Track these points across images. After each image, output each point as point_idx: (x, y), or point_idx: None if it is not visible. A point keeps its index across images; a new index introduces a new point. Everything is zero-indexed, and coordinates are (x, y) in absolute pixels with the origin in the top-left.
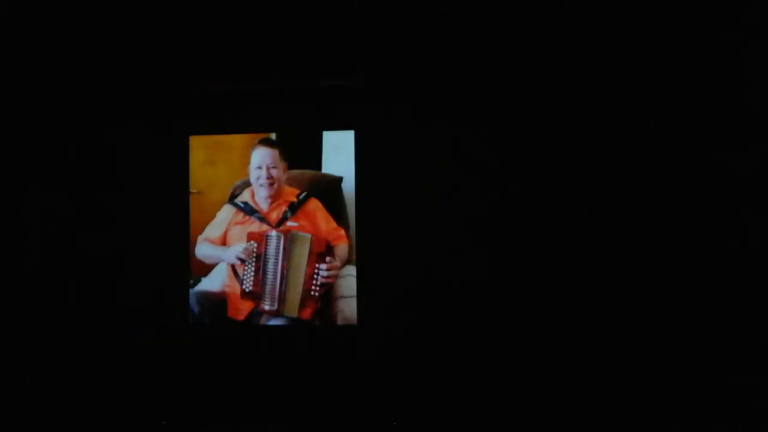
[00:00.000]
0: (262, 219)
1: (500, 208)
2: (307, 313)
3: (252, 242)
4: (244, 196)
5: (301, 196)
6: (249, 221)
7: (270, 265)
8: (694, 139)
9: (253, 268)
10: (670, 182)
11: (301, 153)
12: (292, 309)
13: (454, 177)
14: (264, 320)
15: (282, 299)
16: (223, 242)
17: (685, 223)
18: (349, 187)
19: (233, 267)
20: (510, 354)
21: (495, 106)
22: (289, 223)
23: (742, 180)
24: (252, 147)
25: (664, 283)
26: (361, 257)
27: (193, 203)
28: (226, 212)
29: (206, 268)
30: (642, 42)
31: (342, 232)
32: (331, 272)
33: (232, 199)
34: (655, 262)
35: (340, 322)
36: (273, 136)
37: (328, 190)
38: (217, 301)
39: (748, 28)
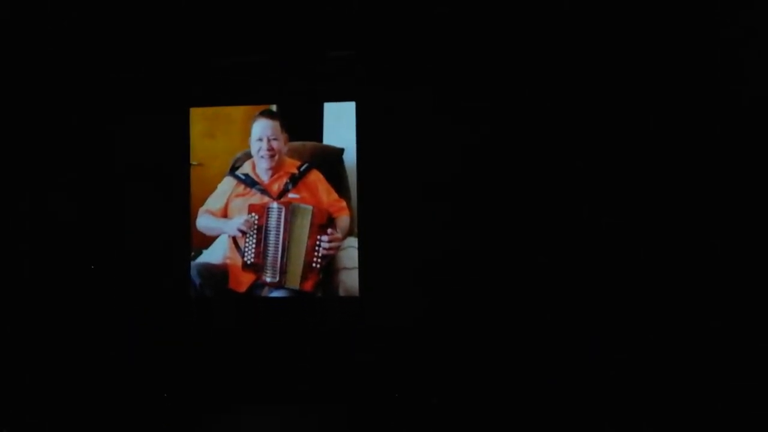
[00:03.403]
0: (263, 191)
1: (500, 207)
2: (308, 285)
3: (253, 214)
4: (245, 168)
5: (302, 168)
6: (250, 193)
7: (271, 237)
8: (694, 139)
9: (254, 240)
10: (670, 182)
11: (302, 124)
12: (294, 281)
13: (456, 148)
14: (265, 292)
15: (283, 271)
16: (224, 214)
17: (685, 223)
18: (350, 158)
19: (234, 239)
20: (510, 354)
21: (495, 101)
22: (291, 195)
23: (742, 180)
24: (253, 119)
25: (664, 283)
26: (363, 229)
27: (194, 175)
28: (227, 184)
29: (207, 240)
30: (642, 42)
31: (343, 203)
32: (333, 244)
33: (233, 171)
34: (655, 262)
35: (341, 293)
36: (274, 107)
37: (329, 161)
38: (218, 273)
39: (748, 28)
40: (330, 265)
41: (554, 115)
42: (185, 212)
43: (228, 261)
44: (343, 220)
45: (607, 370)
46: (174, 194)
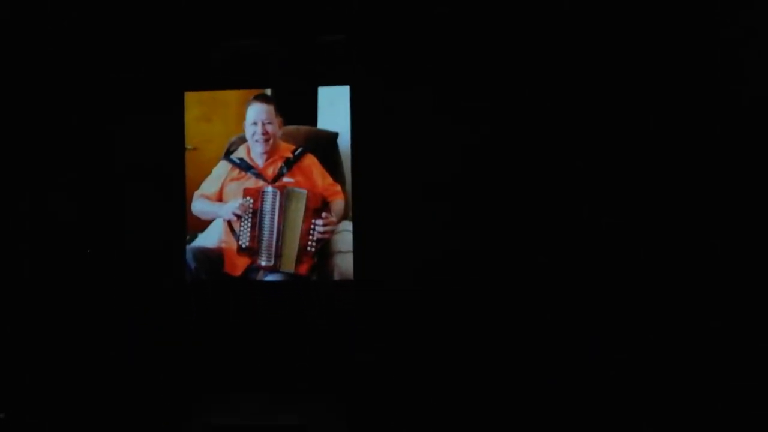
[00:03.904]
0: (258, 175)
1: (499, 207)
2: (303, 269)
3: (248, 198)
4: (240, 152)
5: (297, 152)
6: (245, 177)
7: (266, 221)
8: (694, 139)
9: (249, 224)
10: (670, 182)
11: (297, 108)
12: (289, 264)
13: (452, 133)
14: (261, 276)
15: (278, 255)
16: (219, 198)
17: (686, 223)
18: (344, 142)
19: (229, 223)
20: (510, 354)
21: (493, 95)
22: (285, 179)
23: (742, 180)
24: (247, 102)
25: (664, 283)
26: (357, 213)
27: (189, 159)
28: (222, 168)
29: (202, 224)
30: (642, 42)
31: (338, 187)
32: (327, 228)
33: (227, 155)
34: (655, 262)
35: (336, 277)
36: (268, 91)
37: (323, 145)
38: (213, 257)
39: (748, 28)
40: (325, 248)
41: (554, 115)
42: (180, 196)
43: (223, 245)
44: (338, 203)
45: (607, 370)
46: (169, 178)
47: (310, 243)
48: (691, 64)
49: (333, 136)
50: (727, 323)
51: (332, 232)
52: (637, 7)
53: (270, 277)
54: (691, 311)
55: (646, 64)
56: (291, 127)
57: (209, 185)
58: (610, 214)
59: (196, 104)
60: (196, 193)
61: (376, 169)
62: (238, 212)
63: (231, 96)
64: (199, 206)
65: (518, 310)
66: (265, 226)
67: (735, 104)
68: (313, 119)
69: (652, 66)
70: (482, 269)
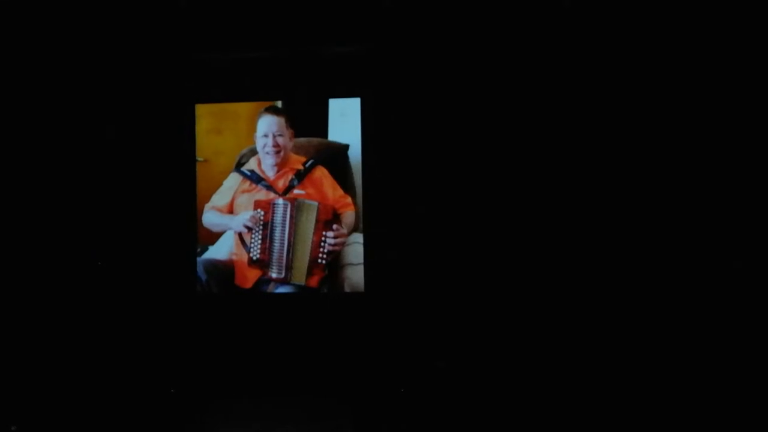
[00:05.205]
0: (269, 187)
1: (499, 208)
2: (314, 281)
3: (259, 210)
4: (251, 164)
5: (308, 164)
6: (256, 189)
7: (277, 233)
8: (694, 139)
9: (260, 236)
10: (670, 182)
11: (308, 121)
12: (300, 277)
13: (459, 144)
14: (271, 288)
15: (289, 267)
16: (230, 210)
17: (686, 223)
18: (355, 154)
19: (240, 235)
20: (510, 354)
21: (505, 112)
22: (296, 191)
23: (742, 180)
24: (258, 115)
25: (664, 283)
26: (368, 225)
27: (200, 172)
28: (233, 180)
29: (213, 237)
30: (642, 42)
31: (349, 199)
32: (338, 240)
33: (238, 167)
34: (655, 262)
35: (347, 289)
36: (279, 103)
37: (334, 157)
38: (224, 270)
39: (748, 28)
40: (335, 261)
41: (554, 115)
42: (191, 208)
43: (234, 257)
44: (349, 215)
45: (607, 370)
46: (179, 190)
47: (320, 255)
48: (691, 64)
49: (344, 148)
50: (727, 323)
51: (343, 244)
52: (637, 8)
53: (281, 290)
54: (691, 311)
55: (647, 64)
56: (302, 139)
57: (220, 197)
58: (611, 215)
59: (207, 116)
60: (207, 206)
61: (387, 181)
62: (249, 224)
63: (242, 108)
64: (209, 218)
65: (518, 310)
66: (276, 238)
67: (735, 104)
68: (324, 131)
69: (652, 66)
70: (493, 281)
